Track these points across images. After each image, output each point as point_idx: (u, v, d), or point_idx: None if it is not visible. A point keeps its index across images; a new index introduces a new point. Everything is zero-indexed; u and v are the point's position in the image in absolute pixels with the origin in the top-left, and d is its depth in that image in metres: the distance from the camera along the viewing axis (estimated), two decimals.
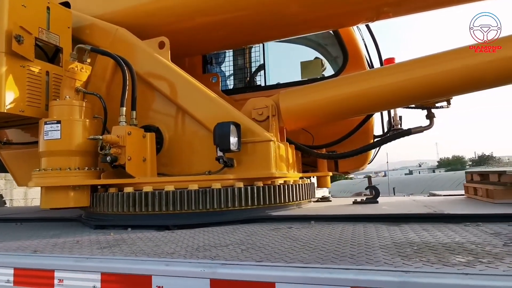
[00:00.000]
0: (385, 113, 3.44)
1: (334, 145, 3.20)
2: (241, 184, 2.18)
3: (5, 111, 2.19)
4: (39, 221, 2.78)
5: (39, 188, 2.28)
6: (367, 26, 3.36)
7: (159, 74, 2.56)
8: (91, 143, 2.21)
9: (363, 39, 3.55)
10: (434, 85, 2.38)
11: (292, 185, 2.40)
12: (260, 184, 2.23)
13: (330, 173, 3.28)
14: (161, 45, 2.63)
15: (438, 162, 71.74)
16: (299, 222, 2.00)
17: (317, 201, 3.04)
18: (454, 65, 2.27)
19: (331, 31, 3.61)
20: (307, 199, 2.66)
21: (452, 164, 59.36)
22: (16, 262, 1.37)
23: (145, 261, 1.23)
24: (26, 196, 9.73)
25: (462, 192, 3.08)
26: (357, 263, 1.05)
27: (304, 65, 3.69)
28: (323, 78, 3.58)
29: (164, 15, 2.79)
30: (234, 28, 2.92)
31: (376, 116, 3.40)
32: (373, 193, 2.76)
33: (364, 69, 3.39)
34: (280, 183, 2.35)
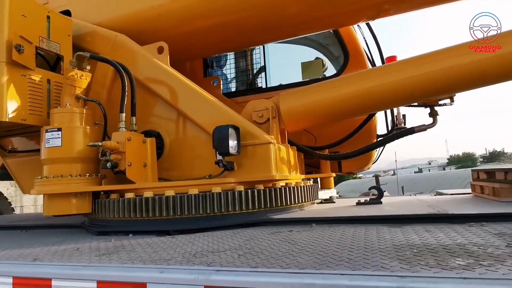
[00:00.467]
0: (388, 112, 3.40)
1: (336, 145, 3.18)
2: (241, 188, 2.17)
3: (7, 120, 2.21)
4: (44, 228, 2.81)
5: None
6: (368, 25, 3.33)
7: (158, 79, 2.57)
8: (92, 149, 2.22)
9: (364, 38, 3.52)
10: (436, 82, 2.34)
11: (293, 187, 2.38)
12: (261, 187, 2.22)
13: (333, 174, 3.25)
14: (160, 50, 2.64)
15: (448, 159, 70.82)
16: (300, 225, 1.98)
17: (320, 202, 3.02)
18: (455, 62, 2.22)
19: (331, 31, 3.59)
20: (310, 201, 2.63)
21: (462, 161, 58.51)
22: (15, 271, 1.38)
23: (140, 269, 1.22)
24: (36, 203, 9.88)
25: (469, 190, 3.03)
26: (353, 267, 1.03)
27: (305, 66, 3.67)
28: (325, 78, 3.55)
29: (163, 20, 2.80)
30: (233, 30, 2.91)
31: (380, 116, 3.37)
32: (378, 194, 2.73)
33: (365, 68, 3.36)
34: (281, 186, 2.33)
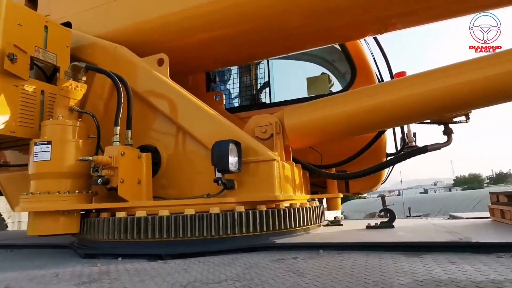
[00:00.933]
0: (398, 129, 3.25)
1: (344, 164, 3.01)
2: (242, 208, 2.00)
3: None
4: (32, 247, 2.63)
5: None
6: (375, 39, 3.23)
7: (157, 91, 2.46)
8: (83, 164, 2.07)
9: (371, 53, 3.41)
10: (450, 98, 2.19)
11: (298, 209, 2.20)
12: (263, 208, 2.04)
13: (341, 195, 3.07)
14: (160, 62, 2.54)
15: (454, 180, 69.92)
16: (306, 251, 1.79)
17: (327, 225, 2.82)
18: (471, 76, 2.08)
19: (338, 46, 3.49)
20: (316, 223, 2.44)
21: (468, 182, 57.70)
22: None
23: None
24: None
25: (485, 214, 2.83)
26: None
27: (311, 81, 3.55)
28: (331, 94, 3.42)
29: (163, 32, 2.72)
30: (236, 43, 2.81)
31: (389, 133, 3.22)
32: (388, 216, 2.53)
33: (374, 84, 3.23)
34: (285, 207, 2.15)
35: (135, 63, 2.56)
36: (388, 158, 3.08)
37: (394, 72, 3.13)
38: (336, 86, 3.78)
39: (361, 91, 2.48)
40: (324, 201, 3.18)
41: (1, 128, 2.11)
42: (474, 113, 2.46)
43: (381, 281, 1.15)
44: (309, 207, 2.35)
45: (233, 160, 1.99)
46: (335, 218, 2.91)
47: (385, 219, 2.54)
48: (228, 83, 4.15)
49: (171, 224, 1.91)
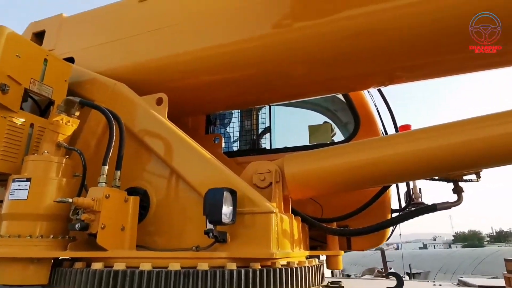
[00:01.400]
0: (402, 183, 3.10)
1: (346, 218, 2.82)
2: (233, 266, 1.78)
3: None
4: None
5: None
6: (379, 91, 3.20)
7: (153, 131, 2.34)
8: (62, 206, 1.89)
9: (375, 105, 3.37)
10: (461, 156, 2.07)
11: (296, 268, 1.98)
12: (258, 266, 1.83)
13: (342, 252, 2.84)
14: (159, 102, 2.46)
15: (453, 236, 68.33)
16: None
17: (326, 285, 2.56)
18: (485, 133, 1.98)
19: (341, 96, 3.47)
20: (315, 285, 2.20)
21: (468, 239, 56.30)
22: None
23: None
24: None
25: (499, 281, 2.59)
26: None
27: (313, 129, 3.47)
28: (332, 143, 3.33)
29: (165, 73, 2.69)
30: (238, 87, 2.77)
31: (392, 187, 3.06)
32: (396, 281, 2.29)
33: (378, 136, 3.15)
34: (282, 265, 1.93)
35: (133, 100, 2.49)
36: (395, 215, 2.88)
37: (398, 125, 3.06)
38: (338, 136, 3.70)
39: (366, 143, 2.37)
40: (324, 257, 2.95)
41: None
42: None
43: None
44: (308, 266, 2.12)
45: (226, 210, 1.81)
46: (332, 282, 2.64)
47: (392, 284, 2.30)
48: (228, 126, 4.08)
49: (152, 280, 1.69)
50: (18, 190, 1.88)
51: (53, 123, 2.11)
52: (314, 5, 2.46)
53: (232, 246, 1.90)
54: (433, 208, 2.35)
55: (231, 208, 1.87)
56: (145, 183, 2.31)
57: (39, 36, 3.34)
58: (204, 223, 1.84)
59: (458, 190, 2.34)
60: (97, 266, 1.77)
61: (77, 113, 2.26)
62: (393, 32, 2.26)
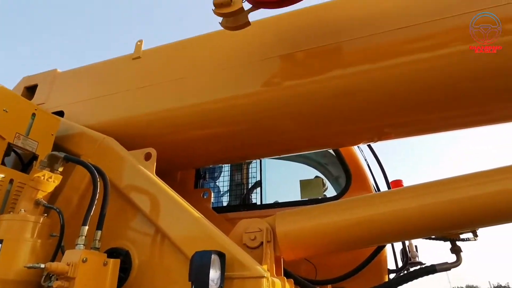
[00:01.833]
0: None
1: (341, 281, 2.66)
2: None
3: None
4: None
5: None
6: (369, 146, 3.23)
7: (139, 187, 2.26)
8: (34, 271, 1.73)
9: (365, 160, 3.38)
10: (455, 215, 2.01)
11: None
12: None
13: None
14: (148, 157, 2.41)
15: None
16: None
17: None
18: (480, 190, 1.95)
19: (331, 150, 3.48)
20: None
21: None
22: None
23: None
24: None
25: None
26: None
27: (304, 184, 3.42)
28: (324, 198, 3.26)
29: (154, 127, 2.68)
30: (228, 142, 2.76)
31: (388, 246, 2.95)
32: None
33: (369, 191, 3.11)
34: None
35: (120, 155, 2.43)
36: (393, 277, 2.74)
37: (390, 180, 3.04)
38: (330, 190, 3.65)
39: (359, 201, 2.31)
40: None
41: None
42: None
43: None
44: None
45: (214, 275, 1.67)
46: None
47: None
48: (218, 181, 4.00)
49: None
50: None
51: (33, 179, 2.02)
52: (304, 64, 2.55)
53: None
54: (432, 269, 2.24)
55: (219, 272, 1.73)
56: (128, 243, 2.17)
57: (30, 90, 3.36)
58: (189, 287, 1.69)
59: (456, 250, 2.26)
60: None
61: (61, 169, 2.18)
62: (381, 91, 2.32)
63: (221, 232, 2.02)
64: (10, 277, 1.73)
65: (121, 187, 2.28)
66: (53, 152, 2.17)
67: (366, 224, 2.15)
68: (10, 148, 2.24)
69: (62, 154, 2.14)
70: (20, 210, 1.93)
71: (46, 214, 2.05)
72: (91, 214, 1.94)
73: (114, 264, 1.92)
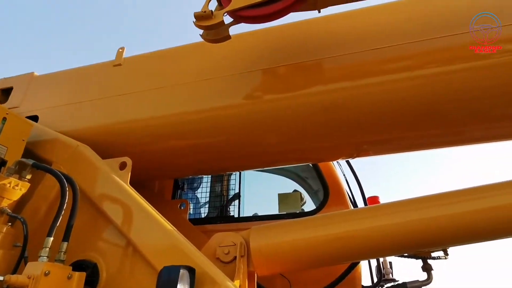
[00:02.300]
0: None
1: None
2: None
3: None
4: None
5: None
6: (348, 162, 3.26)
7: (112, 197, 2.20)
8: None
9: (344, 175, 3.41)
10: (426, 233, 2.04)
11: None
12: None
13: None
14: (123, 166, 2.36)
15: None
16: None
17: None
18: (451, 210, 1.99)
19: (310, 164, 3.50)
20: None
21: None
22: None
23: None
24: None
25: None
26: None
27: (282, 198, 3.42)
28: (302, 213, 3.26)
29: (131, 136, 2.63)
30: (206, 154, 2.73)
31: (364, 263, 2.96)
32: None
33: (346, 206, 3.13)
34: None
35: (94, 164, 2.36)
36: None
37: (367, 196, 3.07)
38: (310, 205, 3.65)
39: (334, 217, 2.32)
40: None
41: None
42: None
43: None
44: None
45: None
46: None
47: None
48: (196, 192, 3.95)
49: None
50: None
51: None
52: (285, 79, 2.57)
53: None
54: (403, 287, 2.26)
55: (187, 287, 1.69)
56: (97, 255, 2.09)
57: (5, 93, 3.26)
58: None
59: (427, 268, 2.29)
60: None
61: (29, 176, 2.10)
62: (360, 108, 2.35)
63: (193, 246, 1.97)
64: None
65: (93, 197, 2.22)
66: (22, 159, 2.09)
67: (340, 241, 2.16)
68: None
69: (30, 161, 2.07)
70: None
71: (10, 224, 1.96)
72: (57, 224, 1.87)
73: (79, 277, 1.85)
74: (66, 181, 2.01)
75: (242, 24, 2.20)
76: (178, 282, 1.60)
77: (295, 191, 3.58)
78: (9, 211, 1.92)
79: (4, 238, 1.85)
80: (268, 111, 2.52)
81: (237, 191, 3.73)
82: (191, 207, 3.70)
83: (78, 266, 1.96)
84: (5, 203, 1.94)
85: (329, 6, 2.17)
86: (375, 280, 3.02)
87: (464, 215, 1.97)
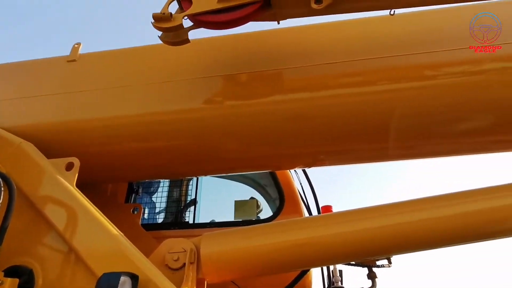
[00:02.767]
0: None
1: None
2: None
3: None
4: None
5: None
6: (304, 171, 3.33)
7: (54, 199, 2.08)
8: None
9: (300, 184, 3.48)
10: (370, 242, 2.12)
11: None
12: None
13: None
14: (69, 167, 2.24)
15: None
16: None
17: None
18: (394, 220, 2.09)
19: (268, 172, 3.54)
20: None
21: None
22: None
23: None
24: None
25: None
26: None
27: (239, 205, 3.42)
28: (258, 220, 3.28)
29: (80, 136, 2.51)
30: (164, 158, 2.67)
31: (316, 270, 3.02)
32: None
33: (301, 214, 3.19)
34: None
35: (37, 163, 2.22)
36: None
37: (321, 205, 3.15)
38: (267, 212, 3.68)
39: (286, 225, 2.35)
40: None
41: None
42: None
43: None
44: None
45: None
46: None
47: None
48: (152, 196, 3.84)
49: None
50: None
51: None
52: (246, 86, 2.59)
53: None
54: None
55: None
56: (33, 261, 1.96)
57: None
58: None
59: (372, 276, 2.38)
60: None
61: None
62: (319, 119, 2.42)
63: (139, 252, 1.91)
64: None
65: (33, 198, 2.08)
66: None
67: (291, 248, 2.18)
68: None
69: None
70: None
71: None
72: None
73: (11, 284, 1.73)
74: (2, 179, 1.87)
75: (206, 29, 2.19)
76: None
77: (252, 198, 3.59)
78: None
79: None
80: (228, 117, 2.52)
81: (193, 197, 3.67)
82: (146, 212, 3.60)
83: (11, 272, 1.83)
84: None
85: (288, 18, 2.22)
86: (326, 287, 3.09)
87: (405, 225, 2.08)
